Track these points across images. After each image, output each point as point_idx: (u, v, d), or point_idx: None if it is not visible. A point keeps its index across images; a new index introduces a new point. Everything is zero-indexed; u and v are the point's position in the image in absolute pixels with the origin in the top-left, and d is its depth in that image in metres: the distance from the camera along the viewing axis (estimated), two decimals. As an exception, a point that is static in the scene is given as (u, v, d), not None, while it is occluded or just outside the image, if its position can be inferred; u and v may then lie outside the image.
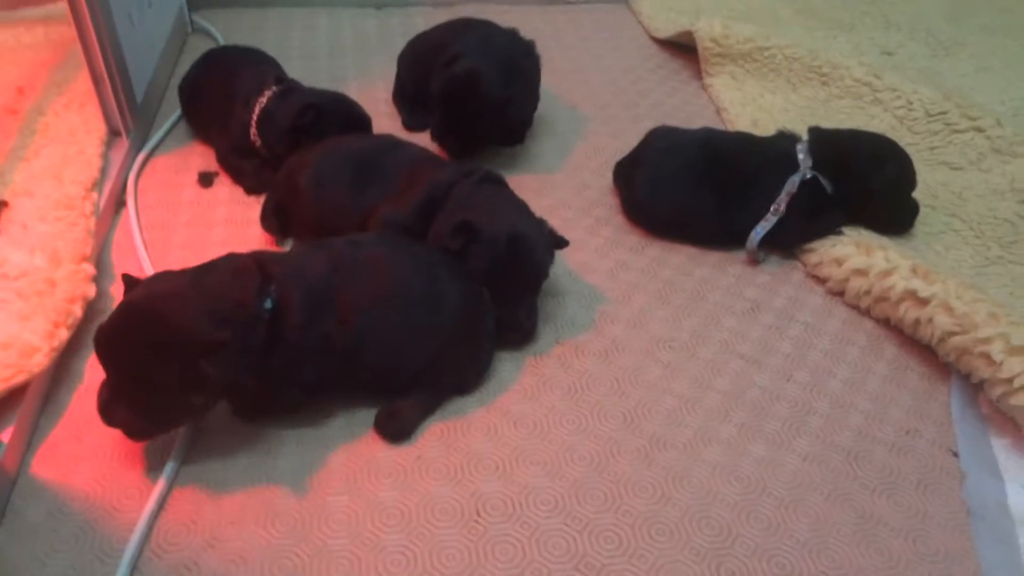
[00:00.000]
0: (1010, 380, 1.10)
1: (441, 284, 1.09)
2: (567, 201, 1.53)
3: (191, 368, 0.89)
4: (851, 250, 1.33)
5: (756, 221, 1.37)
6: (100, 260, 1.28)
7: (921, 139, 1.68)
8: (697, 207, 1.41)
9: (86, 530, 0.93)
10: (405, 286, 1.06)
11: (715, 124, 1.74)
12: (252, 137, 1.44)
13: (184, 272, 0.96)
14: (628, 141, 1.56)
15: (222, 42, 1.99)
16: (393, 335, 1.04)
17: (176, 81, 1.70)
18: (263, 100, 1.44)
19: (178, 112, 1.67)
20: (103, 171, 1.42)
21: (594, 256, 1.39)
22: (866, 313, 1.30)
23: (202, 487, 0.99)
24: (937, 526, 0.99)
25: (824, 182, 1.36)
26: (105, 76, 1.44)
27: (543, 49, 2.04)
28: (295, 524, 0.95)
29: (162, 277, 0.97)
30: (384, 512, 0.97)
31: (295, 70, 1.63)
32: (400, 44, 1.79)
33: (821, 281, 1.36)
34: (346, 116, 1.46)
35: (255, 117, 1.43)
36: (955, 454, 1.09)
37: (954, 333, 1.17)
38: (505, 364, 1.17)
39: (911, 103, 1.74)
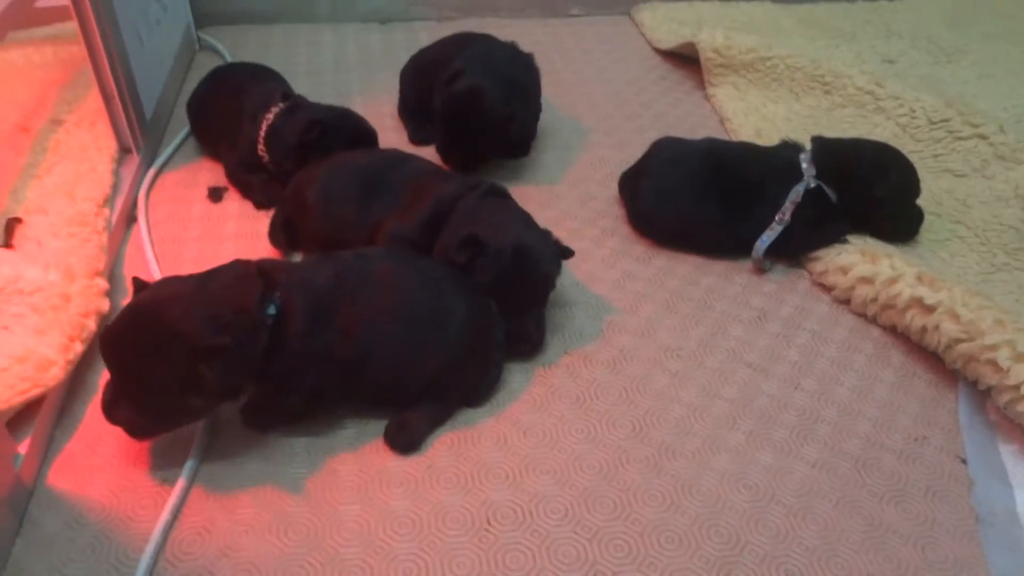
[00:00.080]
0: (1017, 387, 1.10)
1: (448, 299, 1.10)
2: (572, 212, 1.54)
3: (190, 371, 0.91)
4: (857, 258, 1.33)
5: (761, 230, 1.38)
6: (113, 275, 1.30)
7: (924, 147, 1.69)
8: (702, 217, 1.42)
9: (102, 540, 0.94)
10: (411, 301, 1.07)
11: (719, 134, 1.76)
12: (260, 153, 1.46)
13: (190, 277, 0.98)
14: (632, 152, 1.57)
15: (229, 59, 2.02)
16: (397, 350, 1.05)
17: (184, 98, 1.71)
18: (270, 116, 1.46)
19: (187, 128, 1.69)
20: (114, 187, 1.44)
21: (601, 266, 1.40)
22: (873, 321, 1.31)
23: (215, 497, 1.00)
24: (946, 533, 1.00)
25: (828, 191, 1.37)
26: (115, 94, 1.46)
27: (546, 62, 2.07)
28: (308, 533, 0.96)
29: (169, 281, 0.99)
30: (396, 521, 0.98)
31: (301, 86, 1.65)
32: (404, 59, 1.81)
33: (827, 289, 1.37)
34: (352, 131, 1.48)
35: (263, 133, 1.45)
36: (963, 461, 1.09)
37: (961, 340, 1.17)
38: (514, 374, 1.18)
39: (914, 111, 1.75)
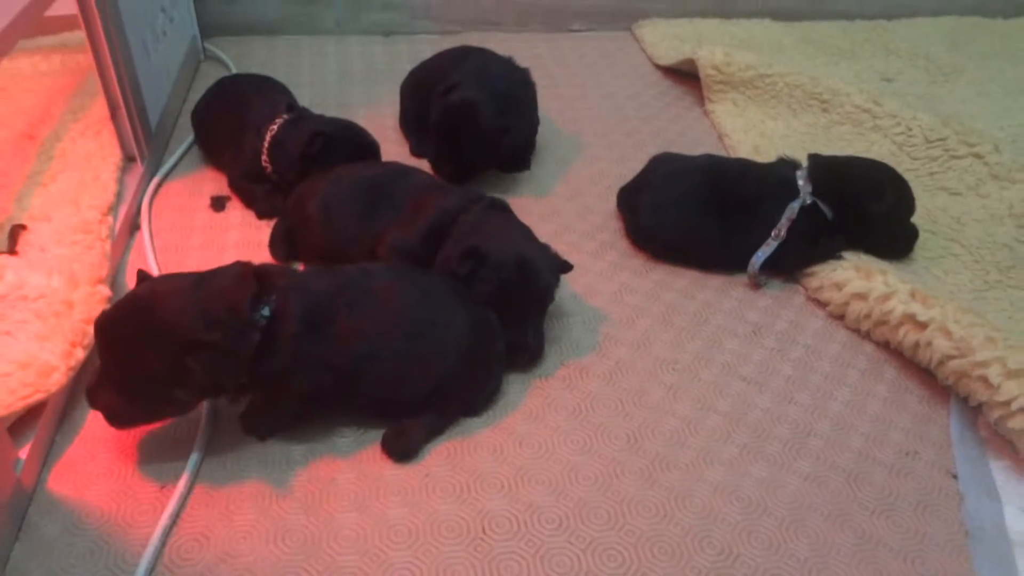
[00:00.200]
0: (1007, 403, 1.11)
1: (447, 315, 1.11)
2: (571, 226, 1.55)
3: (177, 362, 0.93)
4: (851, 274, 1.35)
5: (757, 246, 1.39)
6: (115, 282, 1.31)
7: (920, 165, 1.71)
8: (699, 232, 1.43)
9: (101, 545, 0.95)
10: (409, 318, 1.09)
11: (717, 150, 1.77)
12: (263, 163, 1.48)
13: (190, 275, 1.01)
14: (631, 167, 1.59)
15: (234, 70, 2.04)
16: (393, 364, 1.06)
17: (189, 108, 1.74)
18: (274, 128, 1.47)
19: (191, 138, 1.71)
20: (118, 196, 1.45)
21: (599, 279, 1.42)
22: (866, 336, 1.32)
23: (214, 503, 1.01)
24: (936, 547, 1.01)
25: (824, 208, 1.39)
26: (121, 103, 1.48)
27: (547, 76, 2.10)
28: (305, 541, 0.97)
29: (170, 277, 1.02)
30: (392, 529, 0.99)
31: (304, 97, 1.67)
32: (407, 71, 1.83)
33: (822, 305, 1.38)
34: (355, 143, 1.49)
35: (266, 144, 1.47)
36: (954, 476, 1.10)
37: (952, 356, 1.18)
38: (511, 385, 1.19)
39: (910, 129, 1.77)
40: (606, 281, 1.42)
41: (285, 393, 1.04)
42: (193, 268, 1.34)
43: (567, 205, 1.61)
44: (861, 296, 1.31)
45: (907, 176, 1.45)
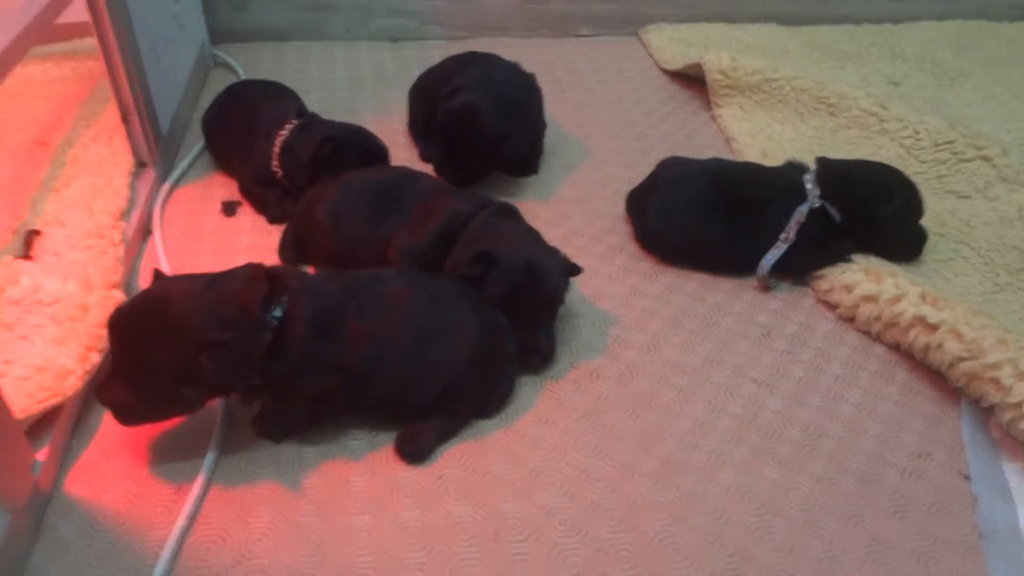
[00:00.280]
0: (1019, 405, 1.11)
1: (456, 319, 1.11)
2: (580, 230, 1.56)
3: (189, 359, 0.94)
4: (861, 277, 1.35)
5: (766, 249, 1.40)
6: (129, 286, 1.32)
7: (928, 168, 1.72)
8: (708, 236, 1.44)
9: (118, 546, 0.96)
10: (419, 323, 1.09)
11: (724, 154, 1.78)
12: (274, 168, 1.49)
13: (203, 275, 1.02)
14: (639, 171, 1.59)
15: (243, 76, 2.04)
16: (402, 368, 1.07)
17: (199, 114, 1.74)
18: (284, 133, 1.48)
19: (201, 144, 1.72)
20: (131, 201, 1.46)
21: (608, 283, 1.42)
22: (876, 339, 1.33)
23: (230, 506, 1.01)
24: (949, 549, 1.01)
25: (832, 211, 1.39)
26: (133, 109, 1.49)
27: (555, 81, 2.11)
28: (320, 543, 0.98)
29: (183, 277, 1.03)
30: (406, 531, 0.99)
31: (314, 102, 1.68)
32: (415, 77, 1.84)
33: (832, 307, 1.39)
34: (364, 148, 1.50)
35: (277, 149, 1.48)
36: (967, 478, 1.10)
37: (963, 359, 1.19)
38: (522, 388, 1.20)
39: (918, 133, 1.77)
40: (615, 284, 1.42)
41: (295, 394, 1.05)
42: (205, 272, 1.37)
43: (576, 209, 1.62)
44: (871, 298, 1.32)
45: (915, 179, 1.45)
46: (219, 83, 1.88)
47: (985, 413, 1.18)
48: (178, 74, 1.82)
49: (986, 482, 1.09)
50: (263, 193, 1.53)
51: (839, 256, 1.41)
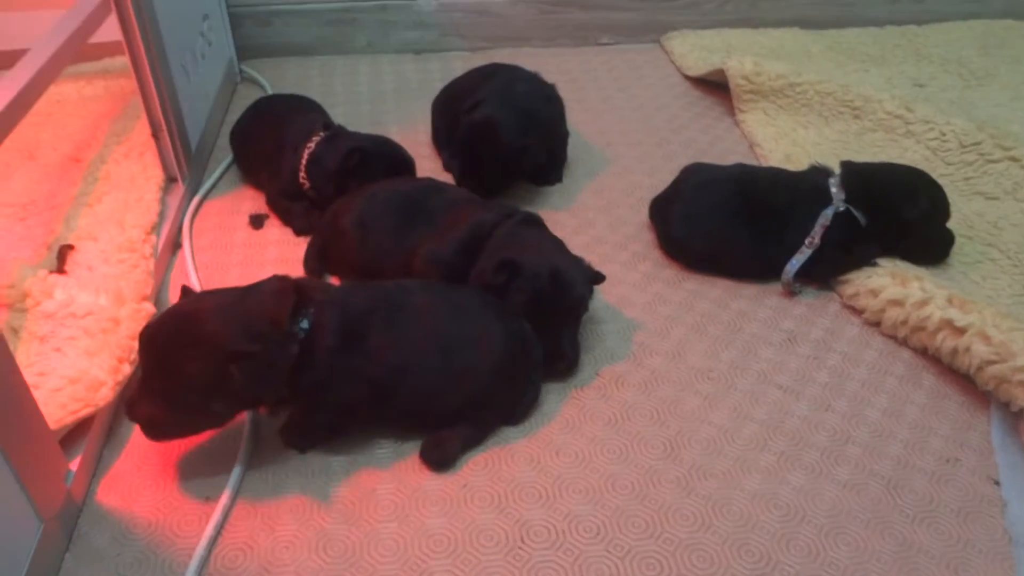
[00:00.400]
0: (1050, 408, 1.10)
1: (480, 330, 1.12)
2: (604, 237, 1.56)
3: (219, 372, 0.95)
4: (887, 281, 1.34)
5: (791, 254, 1.39)
6: (159, 299, 1.35)
7: (955, 170, 1.70)
8: (732, 241, 1.44)
9: (148, 555, 0.98)
10: (442, 334, 1.10)
11: (748, 160, 1.78)
12: (301, 180, 1.51)
13: (231, 290, 1.04)
14: (662, 178, 1.60)
15: (270, 90, 2.08)
16: (426, 379, 1.08)
17: (227, 128, 1.78)
18: (311, 145, 1.51)
19: (230, 158, 1.75)
20: (161, 215, 1.49)
21: (632, 290, 1.43)
22: (903, 343, 1.32)
23: (257, 514, 1.03)
24: (979, 554, 1.00)
25: (857, 215, 1.38)
26: (163, 126, 1.52)
27: (577, 90, 2.12)
28: (346, 550, 0.99)
29: (211, 292, 1.05)
30: (431, 539, 1.00)
31: (339, 116, 1.70)
32: (438, 88, 1.86)
33: (857, 312, 1.38)
34: (390, 159, 1.52)
35: (304, 161, 1.50)
36: (996, 483, 1.09)
37: (992, 362, 1.17)
38: (547, 395, 1.20)
39: (944, 134, 1.76)
40: (639, 292, 1.42)
41: (323, 405, 1.06)
42: (233, 284, 1.39)
43: (599, 217, 1.62)
44: (897, 302, 1.31)
45: (942, 181, 1.44)
46: (246, 98, 1.92)
47: (1015, 417, 1.17)
48: (207, 90, 1.85)
49: (1016, 487, 1.08)
50: (290, 205, 1.55)
51: (864, 260, 1.40)
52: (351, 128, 1.58)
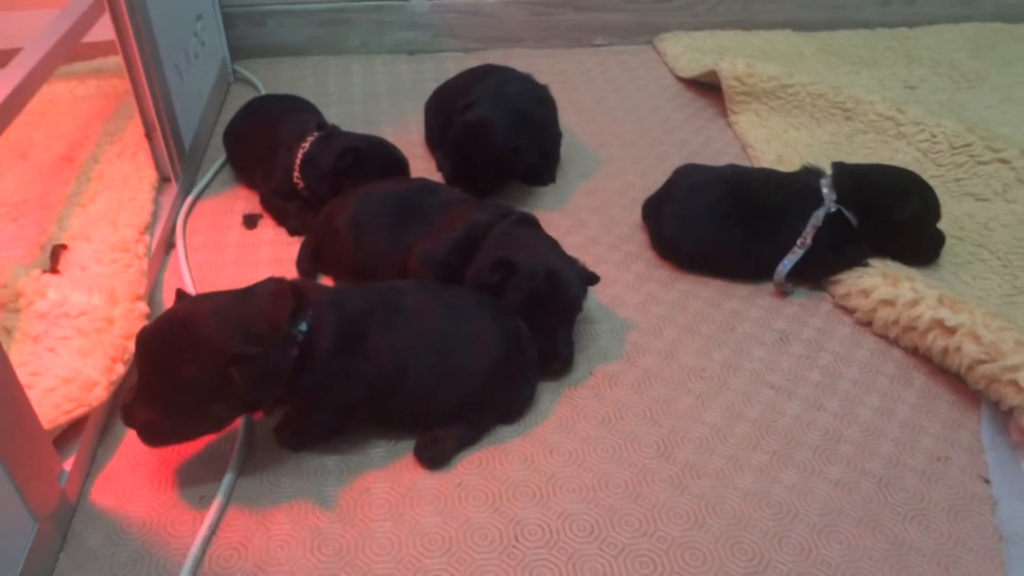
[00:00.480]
0: (1039, 407, 1.11)
1: (476, 330, 1.13)
2: (597, 238, 1.57)
3: (218, 376, 0.94)
4: (878, 281, 1.35)
5: (783, 254, 1.40)
6: (152, 299, 1.35)
7: (946, 171, 1.71)
8: (725, 242, 1.44)
9: (143, 554, 0.98)
10: (439, 335, 1.11)
11: (741, 161, 1.78)
12: (295, 180, 1.51)
13: (227, 293, 1.03)
14: (655, 179, 1.61)
15: (263, 91, 2.08)
16: (424, 380, 1.09)
17: (220, 128, 1.78)
18: (305, 145, 1.51)
19: (223, 158, 1.75)
20: (154, 215, 1.49)
21: (625, 290, 1.43)
22: (894, 343, 1.32)
23: (252, 514, 1.03)
24: (969, 552, 1.01)
25: (849, 215, 1.39)
26: (156, 125, 1.52)
27: (571, 91, 2.13)
28: (341, 549, 0.99)
29: (208, 295, 1.04)
30: (426, 537, 1.00)
31: (332, 116, 1.70)
32: (432, 89, 1.86)
33: (849, 312, 1.39)
34: (384, 159, 1.52)
35: (298, 161, 1.50)
36: (987, 481, 1.10)
37: (982, 361, 1.18)
38: (541, 395, 1.21)
39: (935, 136, 1.77)
40: (633, 291, 1.43)
41: (320, 407, 1.06)
42: (227, 284, 1.39)
43: (593, 217, 1.63)
44: (889, 302, 1.32)
45: (933, 183, 1.45)
46: (239, 98, 1.92)
47: (1005, 416, 1.18)
48: (200, 90, 1.85)
49: (1006, 485, 1.09)
50: (284, 205, 1.55)
51: (856, 260, 1.41)
52: (345, 128, 1.58)
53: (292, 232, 1.53)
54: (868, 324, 1.36)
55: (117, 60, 1.45)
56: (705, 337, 1.33)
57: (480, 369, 1.11)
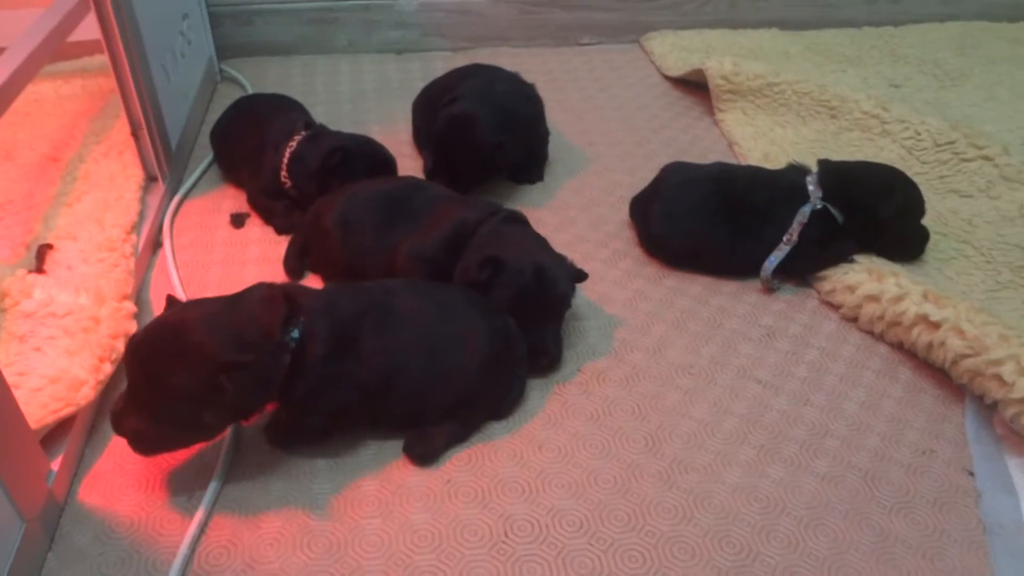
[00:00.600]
0: (1022, 400, 1.12)
1: (466, 327, 1.13)
2: (585, 235, 1.57)
3: (209, 382, 0.93)
4: (863, 277, 1.36)
5: (769, 251, 1.41)
6: (140, 298, 1.34)
7: (930, 168, 1.72)
8: (712, 239, 1.45)
9: (131, 553, 0.97)
10: (432, 335, 1.11)
11: (727, 158, 1.79)
12: (283, 179, 1.51)
13: (218, 299, 1.02)
14: (643, 176, 1.61)
15: (250, 90, 2.07)
16: (417, 380, 1.09)
17: (207, 127, 1.77)
18: (293, 144, 1.51)
19: (210, 157, 1.74)
20: (141, 214, 1.48)
21: (613, 287, 1.44)
22: (880, 338, 1.33)
23: (241, 512, 1.03)
24: (954, 543, 1.02)
25: (834, 212, 1.40)
26: (143, 125, 1.51)
27: (558, 90, 2.13)
28: (330, 546, 0.99)
29: (198, 302, 1.03)
30: (416, 534, 1.00)
31: (320, 115, 1.70)
32: (419, 88, 1.86)
33: (835, 307, 1.40)
34: (372, 158, 1.52)
35: (286, 160, 1.50)
36: (971, 473, 1.11)
37: (966, 355, 1.19)
38: (530, 391, 1.21)
39: (919, 134, 1.78)
40: (620, 288, 1.44)
41: (312, 411, 1.06)
42: (215, 283, 1.40)
43: (581, 215, 1.63)
44: (874, 298, 1.33)
45: (917, 180, 1.46)
46: (226, 97, 1.92)
47: (988, 409, 1.19)
48: (186, 89, 1.85)
49: (990, 477, 1.10)
50: (271, 204, 1.55)
51: (842, 257, 1.42)
52: (332, 127, 1.58)
53: (280, 231, 1.53)
54: (854, 320, 1.37)
55: (103, 59, 1.44)
56: (692, 333, 1.34)
57: (471, 368, 1.11)
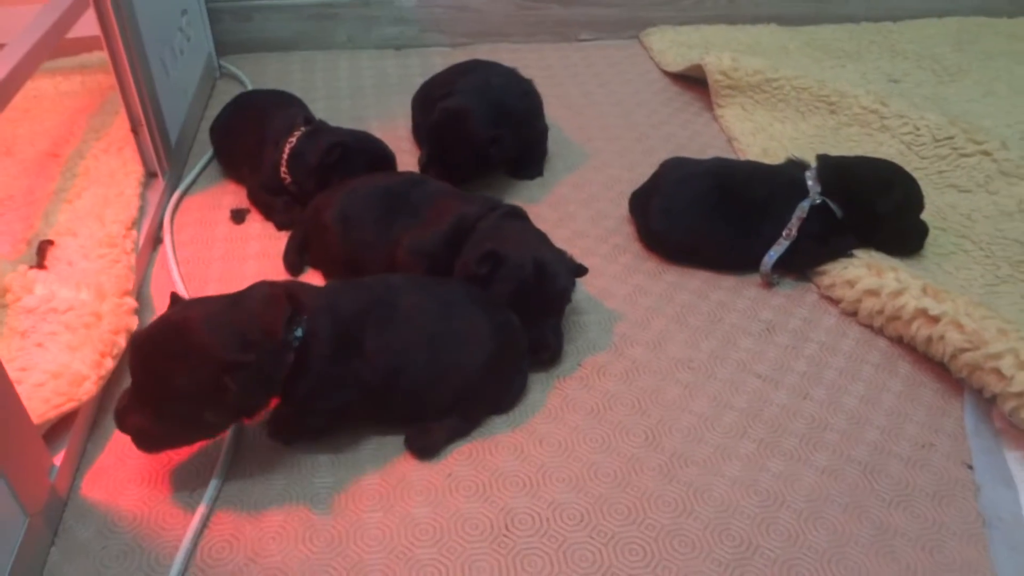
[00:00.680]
0: (1020, 394, 1.12)
1: (470, 323, 1.13)
2: (585, 231, 1.58)
3: (212, 382, 0.93)
4: (863, 271, 1.37)
5: (768, 246, 1.41)
6: (140, 294, 1.35)
7: (929, 163, 1.73)
8: (711, 234, 1.45)
9: (134, 547, 0.98)
10: (434, 332, 1.11)
11: (726, 154, 1.80)
12: (282, 175, 1.51)
13: (221, 298, 1.02)
14: (642, 172, 1.61)
15: (250, 86, 2.07)
16: (421, 378, 1.09)
17: (207, 123, 1.77)
18: (292, 140, 1.51)
19: (210, 153, 1.74)
20: (141, 210, 1.49)
21: (613, 282, 1.44)
22: (879, 332, 1.34)
23: (243, 507, 1.03)
24: (953, 536, 1.02)
25: (833, 207, 1.40)
26: (143, 121, 1.51)
27: (557, 86, 2.13)
28: (332, 540, 0.99)
29: (201, 300, 1.03)
30: (417, 528, 1.01)
31: (319, 111, 1.70)
32: (418, 84, 1.86)
33: (834, 302, 1.40)
34: (371, 153, 1.53)
35: (285, 156, 1.50)
36: (970, 467, 1.11)
37: (965, 349, 1.20)
38: (531, 386, 1.21)
39: (918, 129, 1.79)
40: (620, 283, 1.44)
41: (316, 410, 1.06)
42: (215, 279, 1.40)
43: (580, 211, 1.64)
44: (873, 292, 1.33)
45: (916, 175, 1.47)
46: (226, 93, 1.92)
47: (987, 403, 1.19)
48: (186, 85, 1.85)
49: (989, 470, 1.10)
50: (271, 200, 1.55)
51: (841, 251, 1.42)
52: (332, 123, 1.59)
53: (280, 227, 1.53)
54: (853, 314, 1.37)
55: (102, 55, 1.44)
56: (692, 328, 1.34)
57: (474, 364, 1.11)
